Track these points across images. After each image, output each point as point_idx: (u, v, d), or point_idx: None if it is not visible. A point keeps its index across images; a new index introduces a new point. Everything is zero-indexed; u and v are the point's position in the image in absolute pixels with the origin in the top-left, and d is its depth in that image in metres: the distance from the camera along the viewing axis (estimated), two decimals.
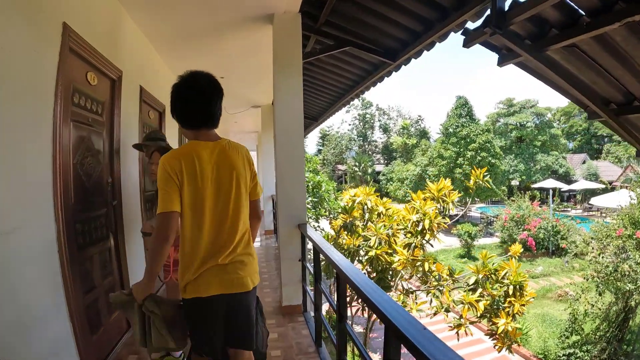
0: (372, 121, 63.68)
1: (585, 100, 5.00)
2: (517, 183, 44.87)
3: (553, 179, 40.21)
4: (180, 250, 2.74)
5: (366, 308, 8.48)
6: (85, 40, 3.96)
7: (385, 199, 9.20)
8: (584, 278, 14.10)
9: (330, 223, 13.43)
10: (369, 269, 8.11)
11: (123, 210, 5.06)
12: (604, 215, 36.01)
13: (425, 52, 6.10)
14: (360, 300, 7.87)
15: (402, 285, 8.36)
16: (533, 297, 7.79)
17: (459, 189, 14.64)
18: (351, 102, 11.61)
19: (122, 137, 5.07)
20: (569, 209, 39.92)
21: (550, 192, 29.42)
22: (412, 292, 8.12)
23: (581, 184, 39.74)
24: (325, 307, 9.56)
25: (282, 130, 5.68)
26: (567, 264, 23.34)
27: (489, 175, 8.67)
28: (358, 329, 14.41)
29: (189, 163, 2.60)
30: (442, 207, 7.96)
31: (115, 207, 4.88)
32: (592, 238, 15.04)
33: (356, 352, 8.70)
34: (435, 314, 7.71)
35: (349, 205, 8.71)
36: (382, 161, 60.93)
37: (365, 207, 8.73)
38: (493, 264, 7.91)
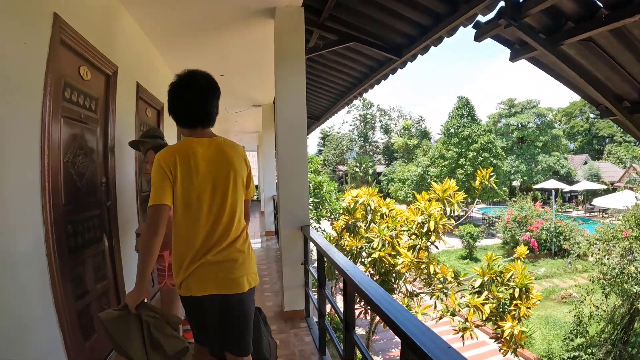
0: (373, 122, 63.64)
1: (599, 97, 4.85)
2: (519, 184, 44.85)
3: (555, 180, 40.05)
4: (173, 248, 2.72)
5: (369, 311, 8.37)
6: (77, 33, 3.77)
7: (388, 199, 9.06)
8: (590, 280, 13.93)
9: (331, 224, 13.30)
10: (372, 271, 7.95)
11: (118, 211, 4.86)
12: (605, 216, 35.95)
13: (431, 48, 5.92)
14: (363, 303, 7.76)
15: (406, 288, 8.19)
16: (539, 300, 7.68)
17: (462, 190, 14.47)
18: (352, 103, 11.46)
19: (117, 135, 4.85)
20: (571, 210, 39.77)
21: (553, 192, 29.22)
22: (416, 295, 7.94)
23: (583, 185, 39.58)
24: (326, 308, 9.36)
25: (284, 128, 5.47)
26: (570, 266, 23.18)
27: (495, 176, 8.51)
28: (359, 330, 14.22)
29: (184, 159, 2.61)
30: (447, 208, 7.82)
31: (110, 208, 4.67)
32: (598, 239, 14.81)
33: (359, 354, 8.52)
34: (440, 317, 7.53)
35: (351, 206, 8.54)
36: (383, 162, 60.93)
37: (368, 208, 8.55)
38: (498, 266, 7.78)
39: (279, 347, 4.76)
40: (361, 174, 53.77)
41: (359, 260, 8.36)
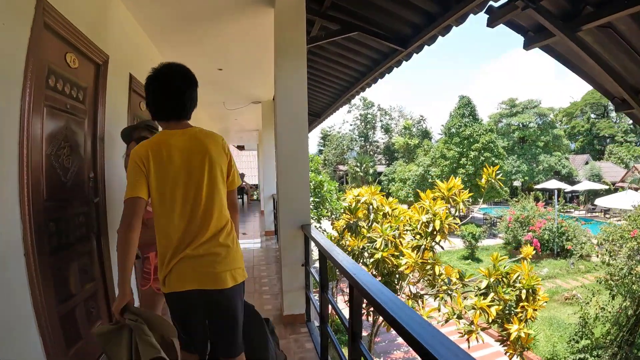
0: (373, 121, 63.82)
1: (615, 89, 4.63)
2: (520, 184, 44.77)
3: (556, 180, 39.92)
4: (157, 244, 2.65)
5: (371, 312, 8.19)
6: (64, 17, 3.52)
7: (391, 198, 8.87)
8: (597, 281, 13.75)
9: (332, 224, 13.14)
10: (375, 272, 7.73)
11: (107, 208, 4.56)
12: (607, 216, 35.89)
13: (430, 43, 5.72)
14: (365, 305, 7.56)
15: (410, 289, 7.97)
16: (545, 302, 7.51)
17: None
18: (353, 101, 11.21)
19: (107, 127, 4.58)
20: (572, 210, 39.64)
21: (555, 192, 29.01)
22: (420, 297, 7.72)
23: (584, 185, 39.51)
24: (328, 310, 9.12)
25: (284, 123, 5.21)
26: (573, 266, 23.09)
27: (501, 174, 8.32)
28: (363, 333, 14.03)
29: (157, 151, 2.58)
30: (452, 207, 7.60)
31: (98, 204, 4.39)
32: (605, 240, 14.63)
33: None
34: (447, 321, 7.29)
35: (353, 205, 8.33)
36: (383, 161, 60.97)
37: (371, 207, 8.35)
38: (504, 266, 7.59)
39: None
40: (362, 173, 53.80)
41: (361, 260, 8.15)
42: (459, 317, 7.18)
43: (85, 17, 4.04)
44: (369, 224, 8.33)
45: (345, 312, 3.19)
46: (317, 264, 8.98)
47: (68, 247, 3.76)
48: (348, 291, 3.05)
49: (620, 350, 11.96)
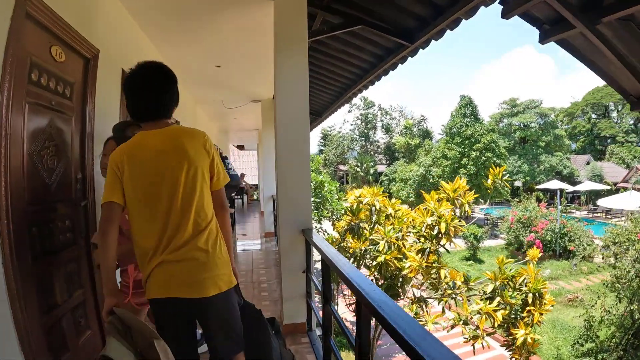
0: (374, 121, 63.91)
1: (634, 86, 4.39)
2: (521, 184, 44.69)
3: (557, 180, 39.78)
4: (134, 247, 2.58)
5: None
6: (49, 8, 3.29)
7: (394, 199, 8.66)
8: (604, 284, 13.60)
9: (332, 225, 12.98)
10: (377, 276, 7.55)
11: (96, 211, 4.29)
12: (609, 216, 35.81)
13: (437, 38, 5.44)
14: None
15: (413, 293, 7.75)
16: (552, 305, 7.28)
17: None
18: (353, 100, 10.98)
19: (97, 126, 4.32)
20: (574, 211, 39.49)
21: (558, 193, 28.89)
22: (423, 302, 7.50)
23: (586, 185, 39.36)
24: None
25: (284, 122, 4.98)
26: (576, 267, 22.95)
27: (507, 175, 8.14)
28: None
29: (131, 153, 2.53)
30: (457, 209, 7.38)
31: (87, 207, 4.13)
32: (612, 242, 14.47)
33: None
34: (452, 327, 7.09)
35: (355, 206, 8.11)
36: (384, 161, 60.99)
37: (373, 208, 8.12)
38: (510, 269, 7.35)
39: None
40: (362, 173, 53.87)
41: (363, 263, 7.97)
42: (465, 323, 6.96)
43: (73, 7, 3.80)
44: (371, 225, 8.13)
45: (347, 315, 2.96)
46: (318, 265, 8.82)
47: (53, 253, 3.50)
48: (355, 302, 2.79)
49: (625, 353, 11.88)
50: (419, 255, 7.11)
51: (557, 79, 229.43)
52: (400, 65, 6.80)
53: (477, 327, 6.85)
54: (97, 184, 4.31)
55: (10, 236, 2.78)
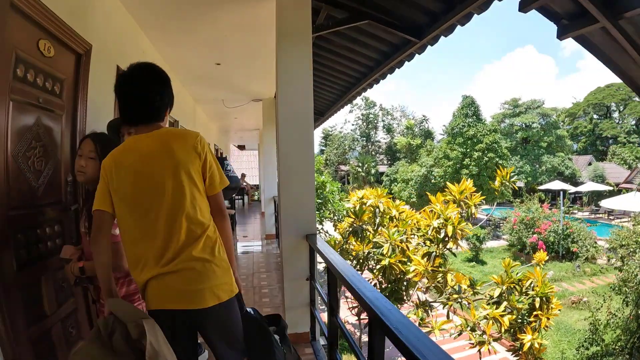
0: (375, 121, 63.80)
1: None
2: (523, 184, 44.57)
3: (559, 181, 39.69)
4: (126, 257, 2.46)
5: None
6: None
7: (397, 201, 8.51)
8: (610, 287, 13.45)
9: (334, 226, 12.82)
10: (381, 279, 7.41)
11: None
12: (611, 217, 35.69)
13: (447, 34, 5.18)
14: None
15: (418, 297, 7.57)
16: (559, 310, 7.24)
17: None
18: (354, 102, 10.78)
19: (90, 125, 4.05)
20: (576, 212, 39.33)
21: (561, 194, 28.76)
22: (428, 306, 7.33)
23: (588, 186, 39.29)
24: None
25: (286, 121, 4.73)
26: (579, 269, 22.77)
27: (516, 176, 7.97)
28: (364, 337, 13.67)
29: (118, 159, 2.42)
30: (463, 211, 7.21)
31: (77, 211, 3.88)
32: (620, 245, 14.34)
33: None
34: (460, 334, 6.92)
35: (358, 207, 7.92)
36: (385, 162, 60.95)
37: (377, 210, 7.96)
38: (517, 273, 7.27)
39: None
40: (363, 174, 53.81)
41: (366, 266, 7.83)
42: (473, 329, 6.81)
43: (64, 0, 3.58)
44: (375, 227, 7.98)
45: (350, 317, 2.75)
46: (320, 267, 8.59)
47: (39, 261, 3.28)
48: (360, 313, 2.57)
49: (631, 357, 11.74)
50: (425, 258, 6.96)
51: (558, 79, 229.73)
52: (406, 62, 6.57)
53: (484, 332, 6.75)
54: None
55: None
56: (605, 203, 30.02)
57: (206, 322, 2.44)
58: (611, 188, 41.56)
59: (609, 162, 52.07)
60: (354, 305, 8.36)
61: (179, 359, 2.31)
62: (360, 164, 54.93)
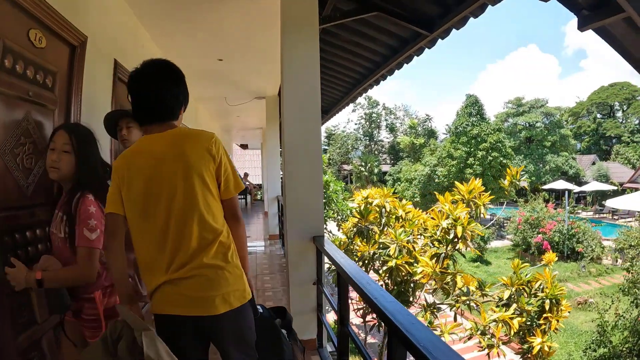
0: (378, 120, 63.97)
1: None
2: (526, 184, 44.53)
3: (563, 180, 39.58)
4: (137, 261, 2.41)
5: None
6: None
7: (404, 201, 8.32)
8: (620, 289, 13.32)
9: (338, 225, 12.66)
10: (387, 281, 7.18)
11: None
12: (615, 217, 35.62)
13: (459, 27, 4.96)
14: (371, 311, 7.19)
15: (425, 299, 7.39)
16: (569, 312, 7.04)
17: None
18: (357, 102, 10.59)
19: (85, 121, 3.79)
20: (580, 211, 39.21)
21: (566, 193, 28.60)
22: (435, 308, 7.14)
23: (592, 186, 39.23)
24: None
25: (292, 118, 4.54)
26: (584, 269, 22.62)
27: (526, 175, 7.81)
28: (370, 339, 13.52)
29: (129, 160, 2.36)
30: (472, 212, 7.03)
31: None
32: (629, 245, 14.20)
33: None
34: (469, 337, 6.74)
35: (363, 207, 7.76)
36: (388, 161, 61.14)
37: (383, 210, 7.78)
38: (526, 274, 7.06)
39: None
40: (366, 173, 53.89)
41: (371, 267, 7.64)
42: (483, 333, 6.63)
43: None
44: (381, 228, 7.79)
45: (355, 319, 2.57)
46: (324, 262, 8.45)
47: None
48: (376, 322, 2.37)
49: (639, 359, 11.52)
50: (433, 260, 6.76)
51: (561, 79, 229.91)
52: (415, 57, 6.35)
53: (493, 336, 6.58)
54: None
55: None
56: (610, 203, 29.89)
57: (217, 329, 2.35)
58: (615, 188, 41.52)
59: (612, 162, 52.08)
60: (359, 307, 8.20)
61: None
62: (363, 164, 54.87)
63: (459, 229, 6.59)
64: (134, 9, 5.48)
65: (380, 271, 7.30)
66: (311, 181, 4.54)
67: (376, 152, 62.15)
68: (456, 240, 6.72)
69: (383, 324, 2.10)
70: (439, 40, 5.48)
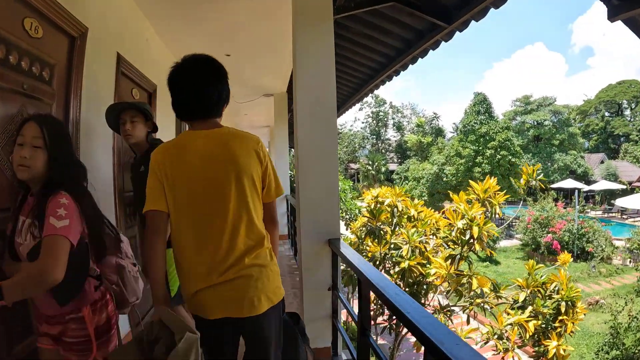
0: (385, 119, 64.23)
1: None
2: (535, 183, 44.36)
3: (572, 179, 39.42)
4: (175, 263, 2.36)
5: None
6: None
7: (416, 200, 8.28)
8: (634, 289, 13.17)
9: (346, 225, 12.46)
10: (400, 283, 6.99)
11: None
12: (625, 216, 35.44)
13: (479, 18, 4.65)
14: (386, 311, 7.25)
15: (439, 301, 7.20)
16: (585, 314, 7.08)
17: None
18: (364, 100, 10.35)
19: (85, 116, 3.68)
20: (589, 211, 39.02)
21: (576, 192, 28.42)
22: (449, 311, 6.94)
23: (601, 185, 39.11)
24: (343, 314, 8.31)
25: (305, 114, 4.27)
26: (595, 269, 22.43)
27: (542, 174, 7.67)
28: (380, 340, 13.37)
29: (175, 156, 2.30)
30: (488, 211, 6.83)
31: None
32: None
33: None
34: (486, 342, 6.56)
35: (373, 206, 7.59)
36: (395, 160, 61.38)
37: (395, 210, 7.65)
38: (541, 276, 7.06)
39: None
40: (373, 172, 53.95)
41: (382, 267, 7.49)
42: (500, 337, 6.48)
43: None
44: (392, 228, 7.65)
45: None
46: (339, 266, 8.25)
47: None
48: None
49: None
50: (448, 261, 6.59)
51: (568, 77, 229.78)
52: (431, 50, 6.07)
53: (508, 339, 6.45)
54: None
55: None
56: (620, 202, 29.72)
57: (256, 330, 2.36)
58: (624, 187, 41.47)
59: (621, 160, 51.99)
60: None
61: None
62: (370, 162, 54.92)
63: (475, 230, 6.39)
64: (138, 1, 5.26)
65: (392, 272, 7.13)
66: (326, 181, 4.29)
67: (383, 151, 62.24)
68: (472, 241, 6.53)
69: (415, 338, 1.85)
70: (457, 32, 5.22)
